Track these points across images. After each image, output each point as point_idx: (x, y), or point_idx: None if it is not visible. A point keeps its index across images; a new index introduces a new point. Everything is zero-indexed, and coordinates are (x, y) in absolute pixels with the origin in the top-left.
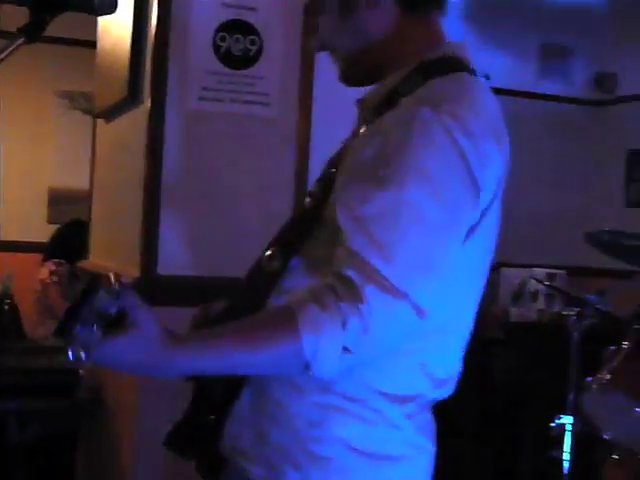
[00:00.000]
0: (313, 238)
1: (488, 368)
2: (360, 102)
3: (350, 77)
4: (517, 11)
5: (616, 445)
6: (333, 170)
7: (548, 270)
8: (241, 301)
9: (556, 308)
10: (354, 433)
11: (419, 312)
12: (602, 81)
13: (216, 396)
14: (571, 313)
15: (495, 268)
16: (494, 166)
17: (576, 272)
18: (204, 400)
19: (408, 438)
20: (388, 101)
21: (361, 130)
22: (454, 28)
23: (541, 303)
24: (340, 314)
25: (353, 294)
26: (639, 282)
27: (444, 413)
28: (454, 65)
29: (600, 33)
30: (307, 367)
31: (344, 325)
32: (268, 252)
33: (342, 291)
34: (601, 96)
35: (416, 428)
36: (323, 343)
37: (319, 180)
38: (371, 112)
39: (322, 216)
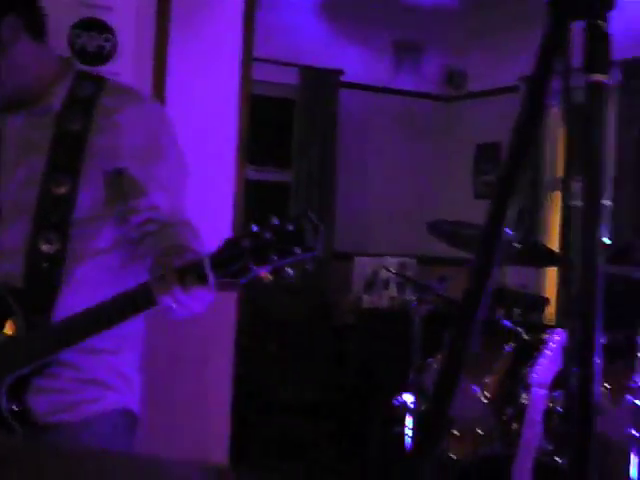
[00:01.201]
0: None
1: (342, 353)
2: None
3: None
4: (371, 7)
5: (456, 421)
6: None
7: (399, 259)
8: None
9: (407, 295)
10: None
11: None
12: (452, 77)
13: None
14: (412, 299)
15: (348, 258)
16: None
17: (425, 261)
18: None
19: None
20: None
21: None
22: None
23: (393, 290)
24: None
25: None
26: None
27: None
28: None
29: (451, 30)
30: None
31: None
32: None
33: None
34: (451, 92)
35: None
36: None
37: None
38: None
39: None
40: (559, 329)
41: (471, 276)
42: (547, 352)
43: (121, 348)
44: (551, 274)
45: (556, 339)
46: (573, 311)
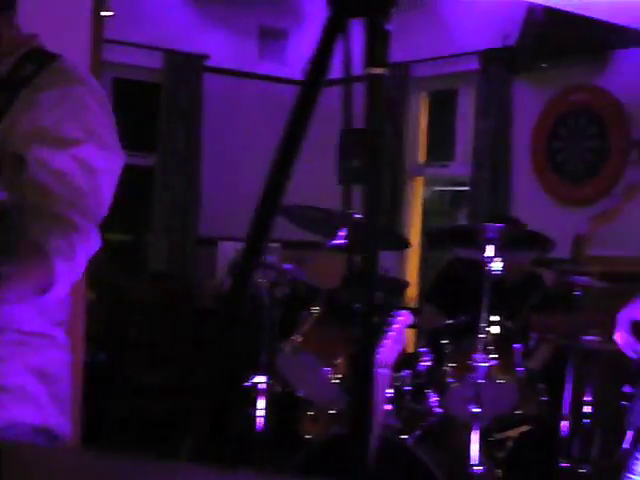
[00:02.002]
0: None
1: (202, 336)
2: None
3: None
4: None
5: (310, 402)
6: None
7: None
8: None
9: (266, 278)
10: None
11: None
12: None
13: None
14: (264, 282)
15: (213, 243)
16: None
17: (290, 245)
18: None
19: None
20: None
21: None
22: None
23: (257, 275)
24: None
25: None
26: (330, 252)
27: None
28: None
29: (315, 16)
30: None
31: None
32: None
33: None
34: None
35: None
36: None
37: None
38: None
39: None
40: (403, 310)
41: (243, 253)
42: (391, 333)
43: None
44: (413, 258)
45: (399, 320)
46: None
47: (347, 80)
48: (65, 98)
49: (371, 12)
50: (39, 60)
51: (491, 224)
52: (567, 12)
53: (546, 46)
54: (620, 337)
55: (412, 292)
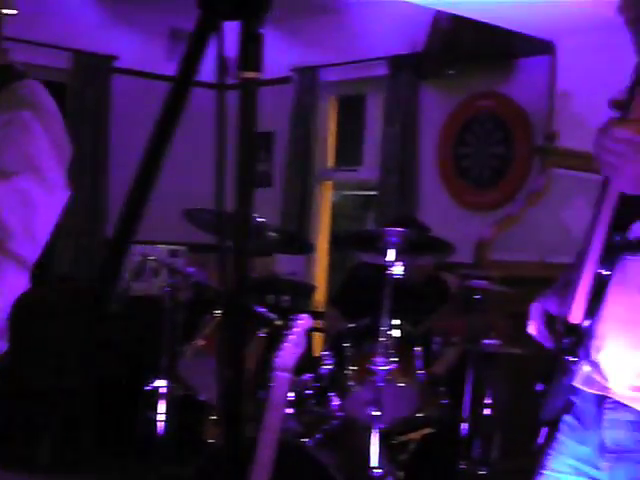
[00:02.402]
0: None
1: (106, 340)
2: None
3: None
4: None
5: (212, 406)
6: None
7: (171, 247)
8: None
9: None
10: None
11: None
12: (227, 66)
13: None
14: (163, 284)
15: None
16: None
17: (196, 248)
18: None
19: None
20: None
21: None
22: None
23: (164, 278)
24: None
25: None
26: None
27: None
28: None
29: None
30: None
31: None
32: None
33: None
34: (227, 80)
35: None
36: None
37: None
38: None
39: None
40: (304, 314)
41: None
42: (291, 336)
43: None
44: (321, 261)
45: (300, 323)
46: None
47: (221, 84)
48: (11, 123)
49: (244, 16)
50: (1, 78)
51: (392, 229)
52: (473, 20)
53: (452, 53)
54: (534, 328)
55: (320, 296)
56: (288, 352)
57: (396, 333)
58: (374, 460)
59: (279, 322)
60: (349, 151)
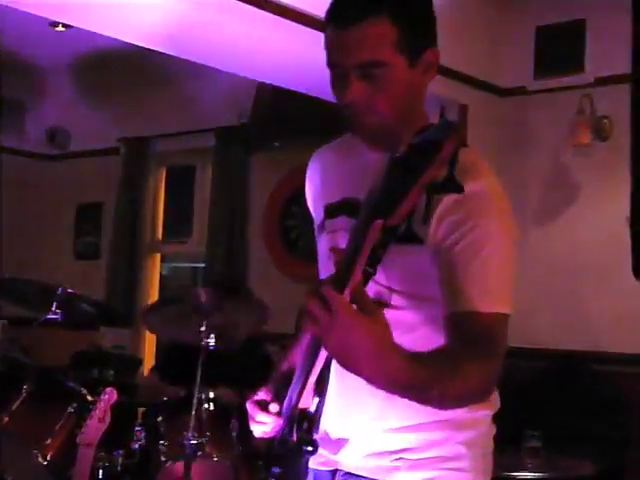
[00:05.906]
0: None
1: None
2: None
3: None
4: None
5: None
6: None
7: None
8: None
9: None
10: None
11: None
12: (54, 137)
13: None
14: None
15: None
16: None
17: (16, 322)
18: None
19: None
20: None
21: None
22: None
23: None
24: None
25: None
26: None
27: None
28: None
29: (54, 91)
30: None
31: None
32: None
33: None
34: (53, 151)
35: None
36: None
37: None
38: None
39: None
40: (109, 388)
41: None
42: (95, 412)
43: None
44: (149, 336)
45: (103, 398)
46: None
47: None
48: None
49: None
50: None
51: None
52: (296, 92)
53: (277, 125)
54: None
55: (145, 369)
56: (91, 427)
57: (211, 405)
58: None
59: (90, 397)
60: (179, 222)
